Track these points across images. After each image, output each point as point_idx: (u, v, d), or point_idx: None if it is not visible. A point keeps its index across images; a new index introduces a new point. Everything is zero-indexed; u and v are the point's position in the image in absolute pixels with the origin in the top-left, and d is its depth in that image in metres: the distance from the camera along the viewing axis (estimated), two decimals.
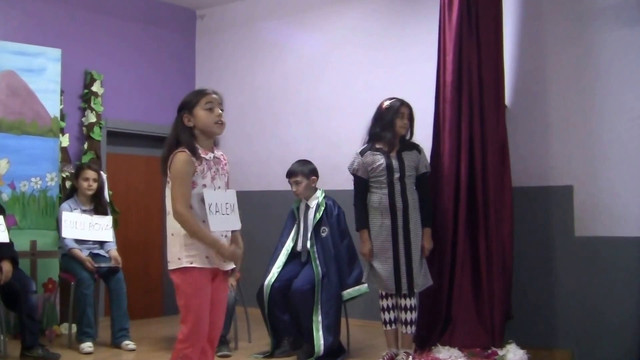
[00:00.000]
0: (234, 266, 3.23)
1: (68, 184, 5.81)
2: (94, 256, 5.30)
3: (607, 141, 4.66)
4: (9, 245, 4.80)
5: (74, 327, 5.27)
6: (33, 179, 5.61)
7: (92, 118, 6.18)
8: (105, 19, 6.52)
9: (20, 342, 4.75)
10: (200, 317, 3.06)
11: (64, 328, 5.58)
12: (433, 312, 4.69)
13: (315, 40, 6.47)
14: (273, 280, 4.87)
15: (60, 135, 5.85)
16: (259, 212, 6.35)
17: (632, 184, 4.55)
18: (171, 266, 3.11)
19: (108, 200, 5.73)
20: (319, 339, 4.60)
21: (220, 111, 3.14)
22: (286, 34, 6.66)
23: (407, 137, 4.58)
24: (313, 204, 4.94)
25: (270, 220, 6.10)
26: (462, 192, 4.67)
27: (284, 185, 5.19)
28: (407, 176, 4.48)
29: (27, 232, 5.51)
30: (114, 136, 6.54)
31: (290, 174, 4.98)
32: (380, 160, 4.47)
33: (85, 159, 6.06)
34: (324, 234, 4.83)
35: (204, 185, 3.09)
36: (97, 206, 5.45)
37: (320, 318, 4.64)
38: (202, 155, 3.10)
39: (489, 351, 4.34)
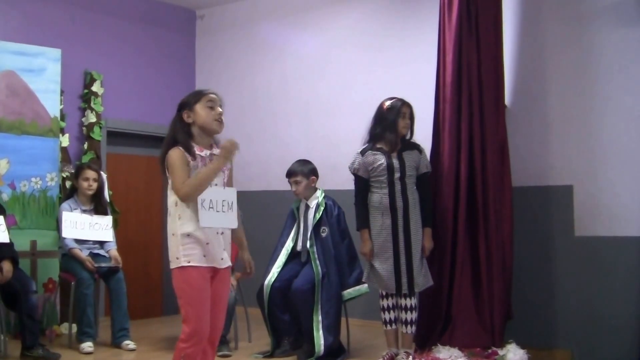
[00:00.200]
0: (229, 264, 3.24)
1: (68, 184, 5.81)
2: (94, 256, 5.29)
3: (607, 141, 4.66)
4: (9, 245, 4.80)
5: (74, 327, 5.27)
6: (33, 179, 5.61)
7: (92, 118, 6.18)
8: (105, 19, 6.52)
9: (21, 342, 4.75)
10: (201, 316, 3.07)
11: (64, 328, 5.58)
12: (433, 312, 4.68)
13: (315, 40, 6.47)
14: (273, 280, 4.87)
15: (60, 135, 5.85)
16: (259, 212, 6.35)
17: (632, 184, 4.55)
18: (171, 266, 3.14)
19: (108, 200, 5.73)
20: (319, 339, 4.60)
21: (220, 110, 3.17)
22: (286, 34, 6.66)
23: (408, 136, 4.59)
24: (313, 203, 4.94)
25: (270, 220, 6.09)
26: (461, 192, 4.66)
27: (283, 185, 5.19)
28: (408, 176, 4.48)
29: (27, 232, 5.51)
30: (114, 136, 6.55)
31: (290, 174, 4.98)
32: (381, 160, 4.47)
33: (85, 159, 6.06)
34: (323, 234, 4.83)
35: None
36: (97, 206, 5.45)
37: (320, 318, 4.64)
38: (198, 152, 3.11)
39: (489, 351, 4.34)
